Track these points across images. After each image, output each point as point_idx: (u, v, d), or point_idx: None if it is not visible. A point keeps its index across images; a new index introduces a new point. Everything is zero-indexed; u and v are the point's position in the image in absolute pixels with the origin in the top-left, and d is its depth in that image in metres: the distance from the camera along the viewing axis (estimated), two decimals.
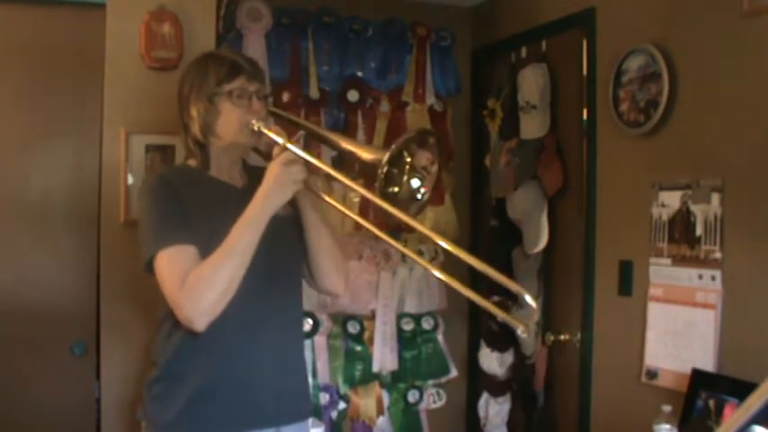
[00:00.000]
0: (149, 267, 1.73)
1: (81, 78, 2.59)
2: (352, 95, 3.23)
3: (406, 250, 1.86)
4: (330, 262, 1.90)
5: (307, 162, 1.71)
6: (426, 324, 3.33)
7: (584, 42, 2.79)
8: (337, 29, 3.23)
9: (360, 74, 3.25)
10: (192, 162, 1.88)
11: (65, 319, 2.58)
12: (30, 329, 2.55)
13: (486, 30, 3.48)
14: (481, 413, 3.32)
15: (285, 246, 1.84)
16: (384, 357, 3.20)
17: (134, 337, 2.55)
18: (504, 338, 3.18)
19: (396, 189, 1.71)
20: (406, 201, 1.73)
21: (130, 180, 2.55)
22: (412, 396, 3.31)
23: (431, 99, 3.39)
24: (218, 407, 1.75)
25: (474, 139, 3.53)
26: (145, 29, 2.52)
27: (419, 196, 1.74)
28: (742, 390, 1.94)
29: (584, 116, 2.79)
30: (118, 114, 2.54)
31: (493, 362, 3.22)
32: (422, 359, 3.31)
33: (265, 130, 1.77)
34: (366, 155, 1.71)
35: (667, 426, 2.01)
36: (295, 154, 1.70)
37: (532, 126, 3.00)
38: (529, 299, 1.57)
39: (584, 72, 2.79)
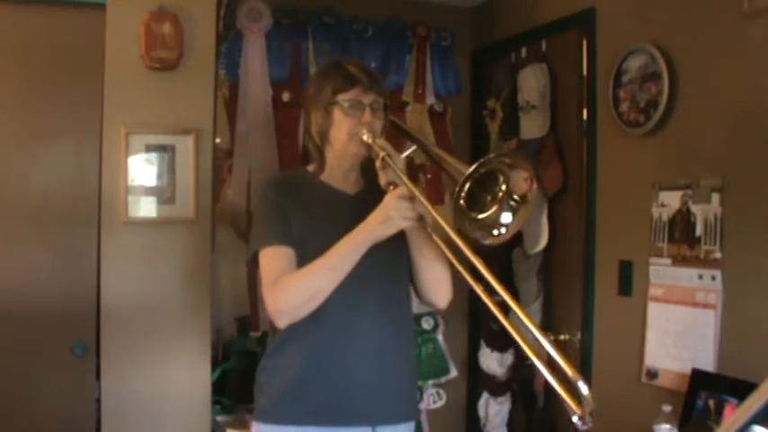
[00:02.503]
0: (252, 261, 1.87)
1: (81, 78, 2.59)
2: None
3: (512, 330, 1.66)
4: (431, 276, 1.91)
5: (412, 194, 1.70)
6: (426, 324, 3.33)
7: (584, 42, 2.79)
8: (337, 29, 3.23)
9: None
10: (310, 167, 1.94)
11: (65, 319, 2.57)
12: (30, 329, 2.54)
13: (486, 30, 3.48)
14: (481, 413, 3.32)
15: (391, 248, 1.82)
16: None
17: (134, 337, 2.55)
18: (504, 338, 3.18)
19: (481, 216, 1.66)
20: (484, 228, 1.67)
21: (130, 180, 2.55)
22: None
23: (431, 99, 3.40)
24: (311, 400, 1.79)
25: (474, 139, 3.53)
26: (145, 29, 2.52)
27: (500, 231, 1.67)
28: (742, 390, 1.94)
29: (584, 116, 2.79)
30: (118, 114, 2.54)
31: (493, 362, 3.22)
32: (422, 359, 3.31)
33: (370, 141, 1.80)
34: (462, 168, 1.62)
35: (667, 426, 2.01)
36: (406, 187, 1.70)
37: (532, 126, 3.00)
38: (583, 386, 1.44)
39: (585, 72, 2.79)
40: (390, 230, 1.72)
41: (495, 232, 1.66)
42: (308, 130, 1.93)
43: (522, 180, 1.64)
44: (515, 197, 1.64)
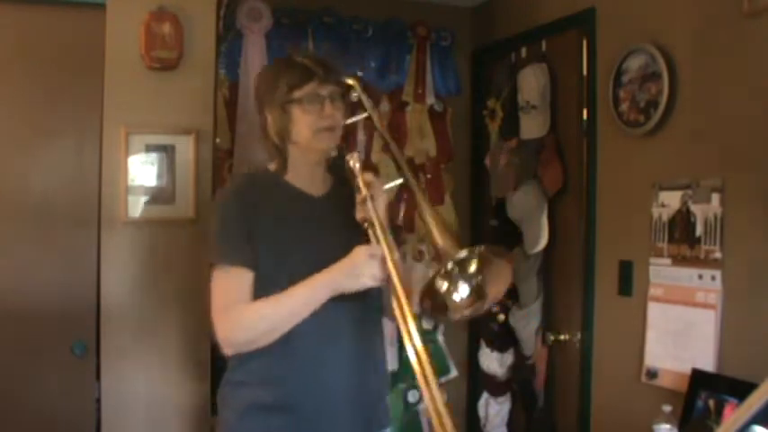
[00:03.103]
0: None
1: (81, 78, 2.59)
2: (352, 95, 3.23)
3: None
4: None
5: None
6: (426, 324, 3.33)
7: (585, 42, 2.79)
8: (337, 29, 3.23)
9: (360, 74, 3.25)
10: (272, 166, 1.88)
11: (65, 319, 2.57)
12: (30, 329, 2.54)
13: (486, 30, 3.48)
14: (481, 413, 3.32)
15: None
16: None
17: (134, 337, 2.55)
18: (504, 338, 3.18)
19: (445, 287, 1.62)
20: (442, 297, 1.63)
21: (130, 180, 2.55)
22: (412, 396, 3.32)
23: (431, 99, 3.40)
24: (274, 422, 1.74)
25: (474, 139, 3.53)
26: (145, 29, 2.52)
27: (454, 301, 1.62)
28: (742, 390, 1.93)
29: (584, 116, 2.79)
30: (118, 114, 2.54)
31: (493, 362, 3.22)
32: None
33: (357, 171, 1.74)
34: (440, 241, 1.59)
35: (667, 426, 2.01)
36: (378, 246, 1.64)
37: (532, 126, 3.00)
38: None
39: (585, 72, 2.79)
40: (356, 287, 1.66)
41: (452, 302, 1.63)
42: (264, 131, 1.86)
43: (498, 281, 1.61)
44: (485, 291, 1.61)
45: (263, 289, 1.75)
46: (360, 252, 1.65)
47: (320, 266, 1.71)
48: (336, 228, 1.83)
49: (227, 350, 1.76)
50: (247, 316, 1.73)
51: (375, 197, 1.72)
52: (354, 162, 1.75)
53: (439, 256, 1.59)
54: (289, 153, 1.85)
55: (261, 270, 1.76)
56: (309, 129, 1.79)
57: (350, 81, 1.96)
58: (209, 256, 1.80)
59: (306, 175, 1.87)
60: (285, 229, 1.79)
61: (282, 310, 1.71)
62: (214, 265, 1.78)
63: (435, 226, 1.61)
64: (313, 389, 1.75)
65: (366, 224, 1.70)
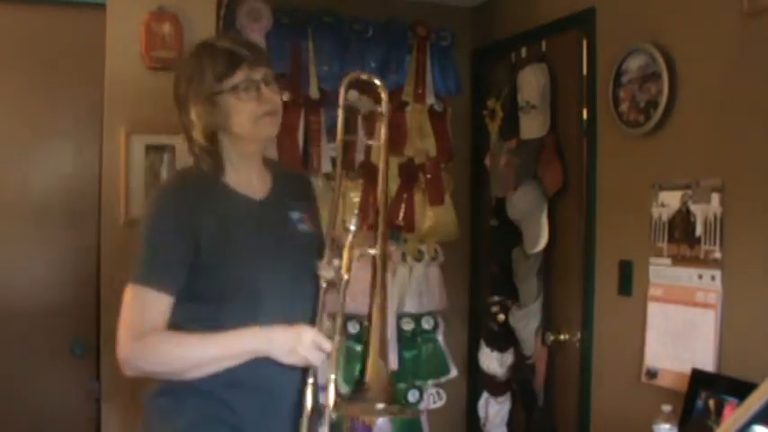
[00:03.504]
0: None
1: (81, 78, 2.59)
2: (352, 95, 3.23)
3: None
4: None
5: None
6: (426, 324, 3.33)
7: (584, 42, 2.79)
8: (337, 29, 3.23)
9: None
10: (203, 165, 1.70)
11: (65, 319, 2.58)
12: (30, 329, 2.55)
13: (486, 30, 3.48)
14: (481, 413, 3.32)
15: (309, 259, 1.70)
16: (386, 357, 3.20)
17: None
18: (504, 338, 3.18)
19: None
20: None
21: (130, 180, 2.55)
22: (412, 396, 3.31)
23: (431, 99, 3.39)
24: (233, 422, 1.63)
25: (474, 139, 3.53)
26: (145, 29, 2.52)
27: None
28: (742, 390, 1.93)
29: (584, 116, 2.79)
30: (118, 114, 2.54)
31: (493, 362, 3.22)
32: (422, 359, 3.31)
33: (347, 243, 1.63)
34: (368, 376, 1.62)
35: (667, 426, 2.01)
36: (329, 343, 1.59)
37: (532, 126, 3.00)
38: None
39: (584, 72, 2.79)
40: (290, 361, 1.58)
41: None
42: (187, 130, 1.68)
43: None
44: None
45: (209, 306, 1.61)
46: (307, 336, 1.57)
47: (270, 279, 1.64)
48: (283, 236, 1.72)
49: (126, 372, 1.60)
50: (167, 350, 1.57)
51: (349, 283, 1.62)
52: (352, 223, 1.64)
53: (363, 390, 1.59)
54: (222, 150, 1.68)
55: (206, 285, 1.61)
56: (250, 117, 1.63)
57: (376, 81, 1.84)
58: (131, 267, 1.62)
59: (244, 174, 1.72)
60: (237, 241, 1.63)
61: (207, 356, 1.57)
62: (134, 282, 1.60)
63: (373, 356, 1.62)
64: (259, 406, 1.64)
65: (325, 284, 1.64)
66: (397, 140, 3.30)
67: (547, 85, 2.98)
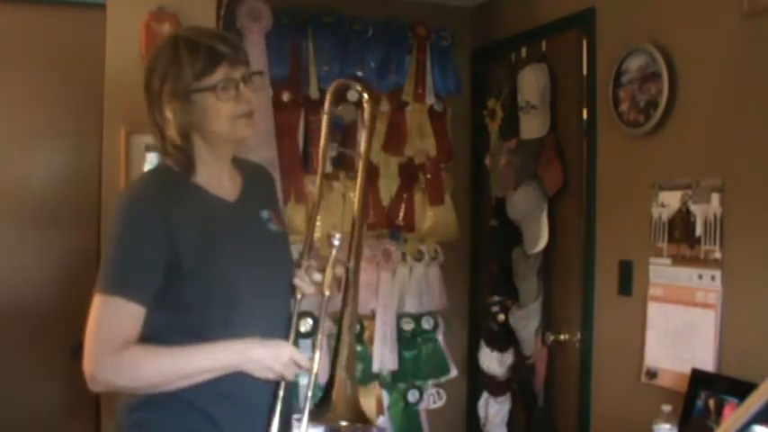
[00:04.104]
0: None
1: (81, 78, 2.59)
2: (352, 95, 3.23)
3: None
4: None
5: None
6: (426, 324, 3.33)
7: (584, 42, 2.79)
8: (337, 29, 3.23)
9: (360, 74, 3.25)
10: (173, 166, 1.62)
11: (65, 319, 2.57)
12: (29, 329, 2.55)
13: (486, 30, 3.48)
14: (481, 413, 3.32)
15: (282, 260, 1.71)
16: (384, 357, 3.20)
17: None
18: (504, 338, 3.18)
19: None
20: None
21: (130, 180, 2.55)
22: (412, 396, 3.32)
23: (431, 99, 3.40)
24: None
25: (474, 139, 3.53)
26: (145, 29, 2.51)
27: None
28: (742, 390, 1.94)
29: (584, 116, 2.79)
30: (118, 114, 2.54)
31: (493, 362, 3.22)
32: (422, 359, 3.31)
33: (331, 259, 1.60)
34: (334, 393, 1.60)
35: (667, 426, 2.01)
36: (306, 363, 1.57)
37: (532, 126, 3.00)
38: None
39: (584, 72, 2.79)
40: (265, 376, 1.55)
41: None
42: (159, 129, 1.59)
43: None
44: None
45: (186, 313, 1.55)
46: (284, 352, 1.55)
47: (251, 283, 1.58)
48: (258, 238, 1.68)
49: (93, 387, 1.50)
50: (144, 365, 1.49)
51: (331, 297, 1.60)
52: (337, 239, 1.60)
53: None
54: (194, 150, 1.61)
55: (184, 292, 1.54)
56: (227, 117, 1.57)
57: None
58: (98, 277, 1.53)
59: (216, 175, 1.65)
60: (214, 247, 1.56)
61: (185, 369, 1.51)
62: (103, 291, 1.51)
63: (339, 373, 1.60)
64: (245, 419, 1.60)
65: (299, 294, 1.64)
66: (397, 140, 3.30)
67: (547, 85, 2.98)
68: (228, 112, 1.57)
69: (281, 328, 1.65)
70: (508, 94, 3.18)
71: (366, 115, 1.80)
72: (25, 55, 2.56)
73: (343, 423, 1.58)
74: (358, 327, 3.16)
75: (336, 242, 1.60)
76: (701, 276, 2.25)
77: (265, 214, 1.72)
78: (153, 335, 1.52)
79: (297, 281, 1.66)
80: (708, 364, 2.19)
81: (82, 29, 2.59)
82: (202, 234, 1.56)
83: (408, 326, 3.28)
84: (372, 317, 3.22)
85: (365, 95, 1.83)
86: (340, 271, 1.62)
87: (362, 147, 1.80)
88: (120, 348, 1.48)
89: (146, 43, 2.52)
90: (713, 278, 2.20)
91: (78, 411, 2.60)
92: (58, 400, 2.57)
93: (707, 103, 2.26)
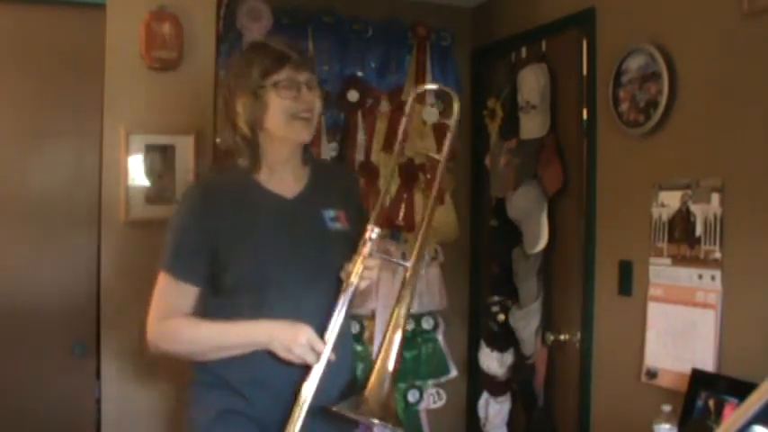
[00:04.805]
0: None
1: (81, 78, 2.59)
2: (352, 95, 3.24)
3: None
4: None
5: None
6: (426, 324, 3.33)
7: (585, 42, 2.79)
8: (337, 29, 3.23)
9: (360, 74, 3.26)
10: (242, 161, 1.78)
11: (65, 319, 2.57)
12: (30, 329, 2.54)
13: (486, 30, 3.48)
14: (481, 413, 3.32)
15: (334, 258, 1.75)
16: None
17: (134, 337, 2.54)
18: (504, 338, 3.18)
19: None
20: None
21: (130, 180, 2.55)
22: (412, 396, 3.32)
23: (431, 99, 3.39)
24: (251, 413, 1.72)
25: (474, 139, 3.53)
26: (145, 29, 2.52)
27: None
28: (742, 390, 1.94)
29: (585, 116, 2.79)
30: (118, 114, 2.54)
31: (493, 362, 3.22)
32: (422, 359, 3.31)
33: (365, 250, 1.67)
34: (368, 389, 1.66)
35: (667, 426, 2.01)
36: (323, 347, 1.65)
37: (532, 126, 3.00)
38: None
39: (584, 72, 2.79)
40: (288, 358, 1.66)
41: None
42: (232, 122, 1.76)
43: None
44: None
45: (231, 299, 1.73)
46: (302, 335, 1.64)
47: (283, 275, 1.71)
48: (309, 233, 1.78)
49: (150, 351, 1.77)
50: (183, 333, 1.73)
51: (359, 287, 1.68)
52: (369, 234, 1.68)
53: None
54: (260, 146, 1.77)
55: (221, 279, 1.73)
56: (284, 115, 1.72)
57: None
58: (162, 260, 1.76)
59: (279, 172, 1.80)
60: (255, 238, 1.73)
61: (215, 342, 1.72)
62: (160, 268, 1.75)
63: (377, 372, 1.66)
64: (276, 403, 1.69)
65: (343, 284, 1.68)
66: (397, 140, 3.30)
67: (547, 85, 2.98)
68: (286, 109, 1.72)
69: (318, 318, 1.69)
70: (508, 94, 3.18)
71: (454, 116, 1.89)
72: (25, 55, 2.56)
73: (375, 420, 1.62)
74: (358, 326, 3.17)
75: (373, 235, 1.68)
76: (701, 276, 2.25)
77: (330, 213, 1.82)
78: (205, 314, 1.75)
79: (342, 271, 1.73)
80: (708, 364, 2.19)
81: (82, 29, 2.59)
82: (244, 225, 1.72)
83: (408, 326, 3.27)
84: (372, 317, 3.21)
85: (455, 101, 1.91)
86: (370, 263, 1.69)
87: (445, 150, 1.88)
88: (167, 318, 1.73)
89: (146, 43, 2.52)
90: (713, 278, 2.20)
91: (78, 411, 2.60)
92: (58, 400, 2.57)
93: (707, 103, 2.26)
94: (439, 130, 3.41)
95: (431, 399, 3.39)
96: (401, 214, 3.30)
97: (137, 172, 2.56)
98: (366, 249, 1.68)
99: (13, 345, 2.54)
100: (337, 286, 1.71)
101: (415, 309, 3.31)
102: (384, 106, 3.30)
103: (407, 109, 1.90)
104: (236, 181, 1.78)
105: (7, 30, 2.54)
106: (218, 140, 2.84)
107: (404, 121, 1.91)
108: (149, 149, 2.58)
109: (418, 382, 3.33)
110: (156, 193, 2.58)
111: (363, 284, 1.70)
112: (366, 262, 1.67)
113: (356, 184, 2.06)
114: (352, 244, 1.73)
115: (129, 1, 2.54)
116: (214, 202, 1.74)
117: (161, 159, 2.58)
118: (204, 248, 1.72)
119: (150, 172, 2.58)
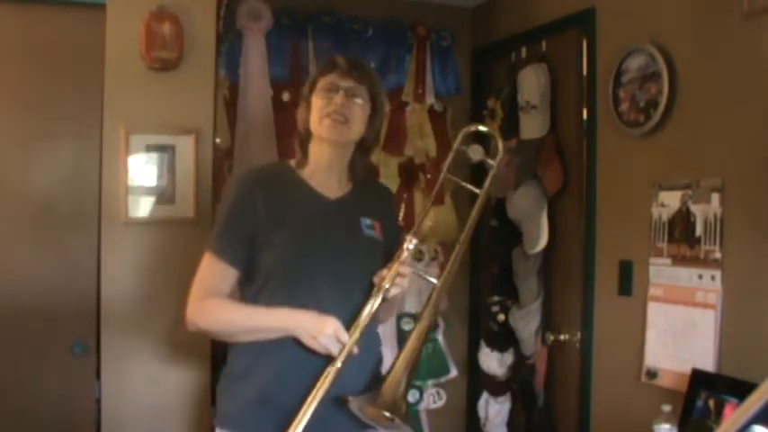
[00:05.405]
0: None
1: (81, 78, 2.59)
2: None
3: None
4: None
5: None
6: None
7: (585, 42, 2.79)
8: (337, 29, 3.23)
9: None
10: (292, 161, 1.94)
11: (65, 318, 2.58)
12: (30, 329, 2.55)
13: (486, 30, 3.48)
14: (481, 413, 3.32)
15: (364, 263, 1.83)
16: (384, 357, 3.20)
17: (134, 336, 2.55)
18: (504, 338, 3.18)
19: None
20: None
21: (130, 180, 2.55)
22: (412, 396, 3.31)
23: (431, 99, 3.40)
24: (281, 409, 1.72)
25: (474, 139, 3.52)
26: (145, 29, 2.52)
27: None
28: (742, 390, 1.94)
29: (585, 116, 2.79)
30: (118, 114, 2.55)
31: (493, 362, 3.22)
32: (422, 359, 3.30)
33: (403, 256, 1.76)
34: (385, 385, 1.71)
35: (667, 426, 2.01)
36: (348, 335, 1.71)
37: (532, 126, 3.00)
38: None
39: (584, 72, 2.79)
40: (313, 346, 1.72)
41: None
42: (299, 125, 1.93)
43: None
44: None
45: (264, 284, 1.81)
46: (329, 325, 1.70)
47: (315, 271, 1.80)
48: (344, 235, 1.87)
49: (190, 327, 1.84)
50: (217, 313, 1.82)
51: (388, 293, 1.75)
52: (407, 245, 1.78)
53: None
54: (309, 147, 1.90)
55: (262, 265, 1.81)
56: (317, 114, 1.83)
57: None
58: (210, 241, 1.86)
59: (321, 174, 1.90)
60: (293, 228, 1.82)
61: (246, 325, 1.80)
62: (207, 248, 1.84)
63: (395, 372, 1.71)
64: (303, 395, 1.68)
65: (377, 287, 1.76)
66: (397, 140, 3.30)
67: (547, 85, 2.98)
68: (320, 108, 1.83)
69: (341, 318, 1.74)
70: (508, 94, 3.18)
71: (499, 156, 2.00)
72: (25, 55, 2.56)
73: (386, 414, 1.66)
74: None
75: (411, 246, 1.78)
76: (701, 276, 2.25)
77: (367, 221, 1.92)
78: (245, 299, 1.85)
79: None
80: (708, 364, 2.19)
81: (82, 29, 2.59)
82: (285, 213, 1.82)
83: (408, 326, 3.28)
84: None
85: (499, 142, 2.05)
86: (404, 270, 1.77)
87: (486, 185, 2.00)
88: (205, 297, 1.81)
89: (146, 43, 2.52)
90: (713, 278, 2.20)
91: (78, 411, 2.60)
92: (58, 400, 2.57)
93: (707, 103, 2.26)
94: (439, 130, 3.41)
95: (431, 399, 3.39)
96: (401, 214, 3.30)
97: (137, 172, 2.56)
98: (404, 256, 1.76)
99: (13, 344, 2.54)
100: (362, 291, 1.79)
101: (415, 309, 3.31)
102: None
103: (455, 146, 2.01)
104: (284, 174, 1.91)
105: (7, 30, 2.54)
106: (217, 140, 2.85)
107: (450, 156, 2.01)
108: (149, 149, 2.58)
109: (418, 382, 3.33)
110: (156, 193, 2.58)
111: (394, 291, 1.78)
112: (400, 268, 1.76)
113: (393, 202, 2.18)
114: (383, 255, 1.83)
115: (129, 1, 2.54)
116: (263, 188, 1.84)
117: (161, 159, 2.59)
118: (247, 232, 1.81)
119: (150, 172, 2.58)
